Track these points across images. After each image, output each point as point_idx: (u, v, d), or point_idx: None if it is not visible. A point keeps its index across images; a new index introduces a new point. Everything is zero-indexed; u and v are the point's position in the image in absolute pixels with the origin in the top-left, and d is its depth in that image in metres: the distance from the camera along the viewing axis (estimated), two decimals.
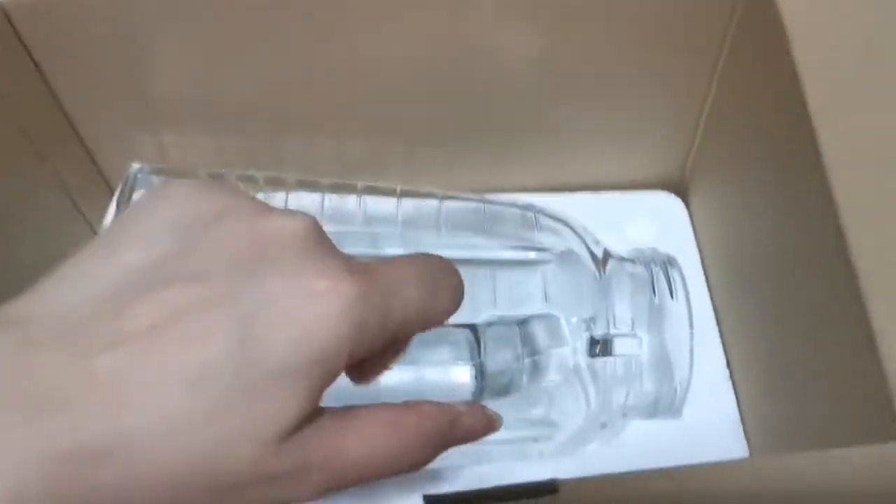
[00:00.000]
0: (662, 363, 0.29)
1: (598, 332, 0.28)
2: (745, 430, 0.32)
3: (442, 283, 0.20)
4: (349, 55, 0.32)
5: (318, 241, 0.18)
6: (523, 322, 0.26)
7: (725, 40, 0.32)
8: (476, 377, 0.24)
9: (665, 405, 0.30)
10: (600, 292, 0.29)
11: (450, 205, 0.30)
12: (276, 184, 0.31)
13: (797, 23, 0.26)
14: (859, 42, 0.26)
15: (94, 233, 0.37)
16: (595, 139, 0.37)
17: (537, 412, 0.28)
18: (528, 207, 0.31)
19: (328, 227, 0.19)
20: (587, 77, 0.34)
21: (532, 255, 0.29)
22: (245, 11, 0.31)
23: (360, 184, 0.32)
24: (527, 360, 0.25)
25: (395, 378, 0.23)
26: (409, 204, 0.30)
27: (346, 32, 0.32)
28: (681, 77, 0.34)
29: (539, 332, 0.26)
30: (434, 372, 0.26)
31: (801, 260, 0.27)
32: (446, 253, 0.28)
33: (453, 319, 0.21)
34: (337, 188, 0.31)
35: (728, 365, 0.33)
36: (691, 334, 0.29)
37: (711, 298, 0.35)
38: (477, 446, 0.27)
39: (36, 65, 0.32)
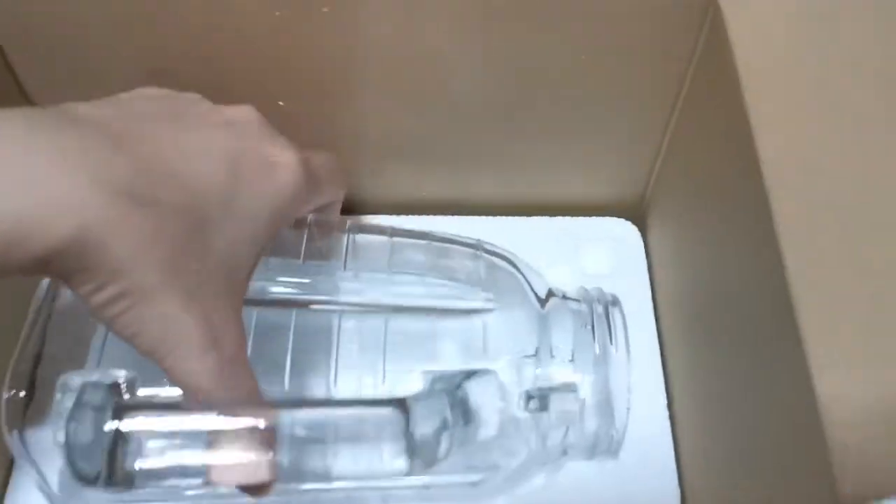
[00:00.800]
0: (602, 406, 0.30)
1: (537, 386, 0.28)
2: (682, 472, 0.32)
3: (338, 173, 0.28)
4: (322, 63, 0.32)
5: (266, 123, 0.24)
6: (456, 385, 0.26)
7: (686, 78, 0.32)
8: (407, 454, 0.25)
9: (603, 447, 0.30)
10: (541, 334, 0.30)
11: (397, 243, 0.30)
12: None
13: (751, 68, 0.26)
14: (811, 90, 0.26)
15: None
16: (558, 161, 0.37)
17: (477, 460, 0.28)
18: (476, 245, 0.32)
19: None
20: (553, 100, 0.34)
21: (476, 303, 0.29)
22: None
23: (309, 216, 0.32)
24: (459, 428, 0.25)
25: (328, 462, 0.24)
26: (359, 240, 0.31)
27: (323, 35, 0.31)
28: (643, 108, 0.34)
29: (473, 391, 0.26)
30: (365, 455, 0.26)
31: (745, 305, 0.28)
32: (394, 300, 0.29)
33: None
34: None
35: (669, 405, 0.34)
36: (629, 381, 0.30)
37: (659, 332, 0.36)
38: (420, 490, 0.28)
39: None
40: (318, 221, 0.31)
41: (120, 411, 0.24)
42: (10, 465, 0.32)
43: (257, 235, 0.23)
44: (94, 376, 0.25)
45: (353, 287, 0.29)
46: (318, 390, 0.26)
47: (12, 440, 0.25)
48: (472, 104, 0.34)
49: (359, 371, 0.27)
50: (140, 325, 0.21)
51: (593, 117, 0.35)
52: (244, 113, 0.24)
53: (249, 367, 0.23)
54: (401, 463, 0.24)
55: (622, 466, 0.31)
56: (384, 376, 0.27)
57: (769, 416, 0.25)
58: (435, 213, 0.39)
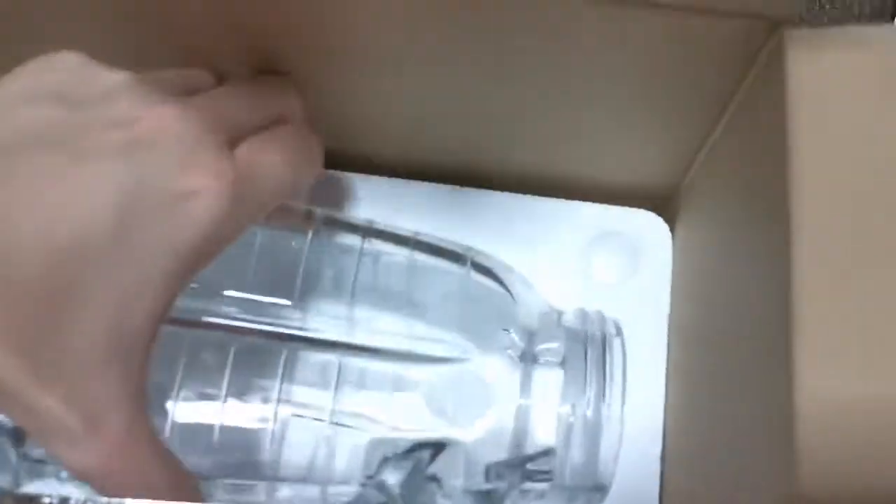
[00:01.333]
0: (587, 460, 0.26)
1: (512, 452, 0.24)
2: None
3: (304, 160, 0.23)
4: None
5: (194, 133, 0.19)
6: (414, 469, 0.22)
7: (735, 95, 0.26)
8: None
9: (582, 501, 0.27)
10: (526, 378, 0.26)
11: (371, 257, 0.26)
12: None
13: (799, 109, 0.22)
14: (859, 145, 0.22)
15: None
16: (594, 134, 0.31)
17: None
18: (463, 259, 0.27)
19: None
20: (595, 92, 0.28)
21: (452, 350, 0.25)
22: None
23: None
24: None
25: None
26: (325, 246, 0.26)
27: None
28: (688, 113, 0.28)
29: (435, 471, 0.23)
30: None
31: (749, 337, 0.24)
32: (351, 337, 0.25)
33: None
34: None
35: (664, 437, 0.30)
36: (618, 449, 0.26)
37: (668, 361, 0.31)
38: None
39: None
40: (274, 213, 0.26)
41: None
42: None
43: (158, 287, 0.19)
44: None
45: (305, 317, 0.25)
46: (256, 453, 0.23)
47: None
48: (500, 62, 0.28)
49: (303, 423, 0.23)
50: (7, 413, 0.18)
51: (641, 94, 0.28)
52: (166, 121, 0.19)
53: (158, 444, 0.20)
54: None
55: None
56: (328, 440, 0.23)
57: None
58: (440, 181, 0.33)
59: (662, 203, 0.34)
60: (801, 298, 0.20)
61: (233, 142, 0.21)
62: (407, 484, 0.22)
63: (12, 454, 0.22)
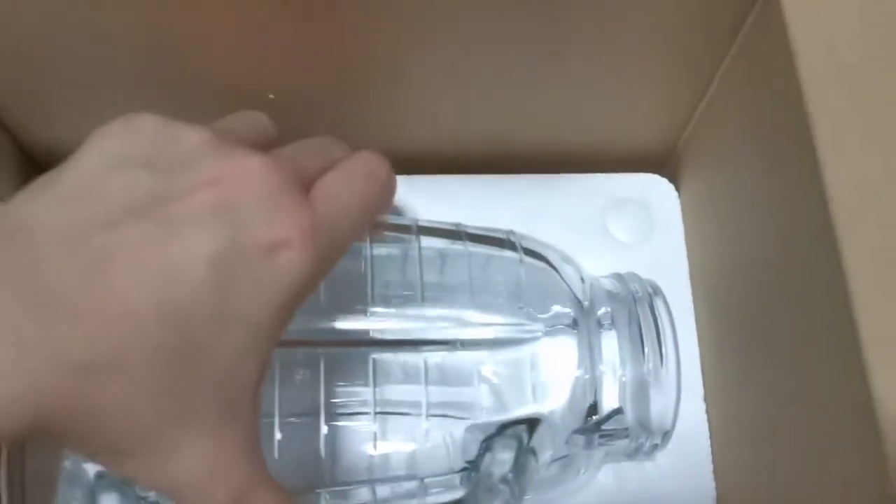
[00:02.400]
0: (647, 417, 0.28)
1: (585, 419, 0.26)
2: (715, 462, 0.31)
3: (377, 188, 0.23)
4: None
5: (276, 184, 0.20)
6: (514, 455, 0.24)
7: (737, 35, 0.28)
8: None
9: (644, 454, 0.29)
10: (585, 347, 0.27)
11: (427, 253, 0.27)
12: None
13: (804, 30, 0.24)
14: (863, 51, 0.24)
15: None
16: (593, 97, 0.33)
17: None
18: (512, 244, 0.28)
19: None
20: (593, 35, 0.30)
21: (521, 333, 0.26)
22: None
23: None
24: (510, 485, 0.23)
25: None
26: (382, 254, 0.27)
27: None
28: (689, 59, 0.30)
29: (528, 447, 0.24)
30: None
31: (789, 278, 0.26)
32: (429, 334, 0.26)
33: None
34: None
35: (705, 398, 0.32)
36: (678, 393, 0.28)
37: (695, 310, 0.33)
38: None
39: None
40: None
41: None
42: None
43: (261, 341, 0.19)
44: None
45: (382, 322, 0.26)
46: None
47: None
48: (491, 39, 0.29)
49: (399, 424, 0.25)
50: (132, 474, 0.19)
51: (638, 55, 0.30)
52: (249, 175, 0.19)
53: (274, 485, 0.20)
54: None
55: (657, 465, 0.31)
56: (426, 434, 0.25)
57: (813, 408, 0.24)
58: (449, 172, 0.34)
59: (663, 164, 0.36)
60: (845, 230, 0.21)
61: (307, 186, 0.21)
62: (515, 464, 0.23)
63: (90, 471, 0.22)
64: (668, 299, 0.29)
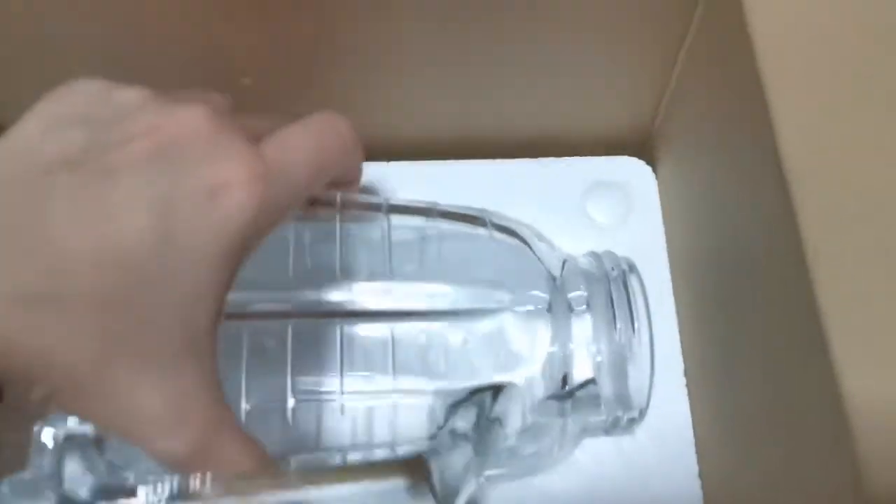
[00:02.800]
0: (622, 388, 0.28)
1: (557, 388, 0.26)
2: (696, 440, 0.31)
3: (334, 144, 0.23)
4: None
5: (216, 131, 0.20)
6: (477, 416, 0.24)
7: (694, 13, 0.28)
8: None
9: (621, 428, 0.29)
10: (558, 321, 0.28)
11: (397, 235, 0.27)
12: None
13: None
14: (817, 24, 0.24)
15: None
16: (568, 82, 0.34)
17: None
18: (483, 221, 0.29)
19: None
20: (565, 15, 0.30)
21: (489, 303, 0.26)
22: None
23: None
24: (482, 461, 0.23)
25: None
26: (352, 230, 0.27)
27: None
28: (654, 30, 0.31)
29: (496, 412, 0.24)
30: None
31: (756, 261, 0.26)
32: (395, 305, 0.26)
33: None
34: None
35: (685, 373, 0.32)
36: (651, 365, 0.28)
37: (674, 293, 0.33)
38: None
39: None
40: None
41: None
42: None
43: (211, 284, 0.20)
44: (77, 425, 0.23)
45: (350, 293, 0.26)
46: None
47: None
48: (466, 26, 0.30)
49: (366, 393, 0.25)
50: (91, 415, 0.20)
51: (598, 39, 0.31)
52: (187, 123, 0.20)
53: (239, 429, 0.21)
54: None
55: (638, 442, 0.30)
56: (396, 404, 0.25)
57: (783, 389, 0.24)
58: (427, 158, 0.35)
59: (641, 147, 0.36)
60: (803, 203, 0.21)
61: (257, 139, 0.21)
62: (477, 426, 0.24)
63: (100, 463, 0.23)
64: (647, 281, 0.29)
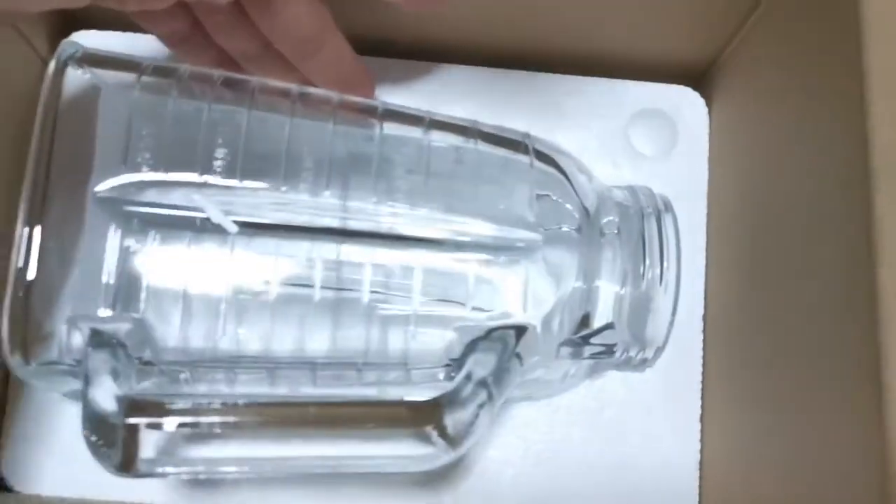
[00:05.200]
0: (640, 331, 0.28)
1: (578, 334, 0.26)
2: (703, 386, 0.32)
3: None
4: None
5: None
6: (498, 359, 0.24)
7: None
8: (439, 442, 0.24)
9: (633, 366, 0.30)
10: (588, 256, 0.27)
11: (435, 151, 0.27)
12: (239, 89, 0.27)
13: None
14: None
15: (42, 60, 0.32)
16: (634, 17, 0.32)
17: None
18: (524, 142, 0.28)
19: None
20: None
21: (520, 243, 0.26)
22: None
23: (334, 97, 0.28)
24: (496, 400, 0.24)
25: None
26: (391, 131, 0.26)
27: None
28: None
29: (513, 368, 0.24)
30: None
31: (810, 222, 0.25)
32: (428, 233, 0.26)
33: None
34: (308, 102, 0.27)
35: (703, 318, 0.32)
36: (675, 305, 0.28)
37: (707, 237, 0.33)
38: None
39: None
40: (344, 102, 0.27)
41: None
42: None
43: None
44: (105, 322, 0.23)
45: (377, 213, 0.26)
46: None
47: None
48: None
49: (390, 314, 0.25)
50: None
51: None
52: None
53: None
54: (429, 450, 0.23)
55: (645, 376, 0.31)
56: (414, 330, 0.25)
57: (815, 345, 0.24)
58: (467, 63, 0.33)
59: (700, 80, 0.35)
60: (883, 181, 0.20)
61: None
62: (499, 364, 0.24)
63: (133, 363, 0.23)
64: (681, 218, 0.29)
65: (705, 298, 0.32)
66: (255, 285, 0.25)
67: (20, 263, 0.23)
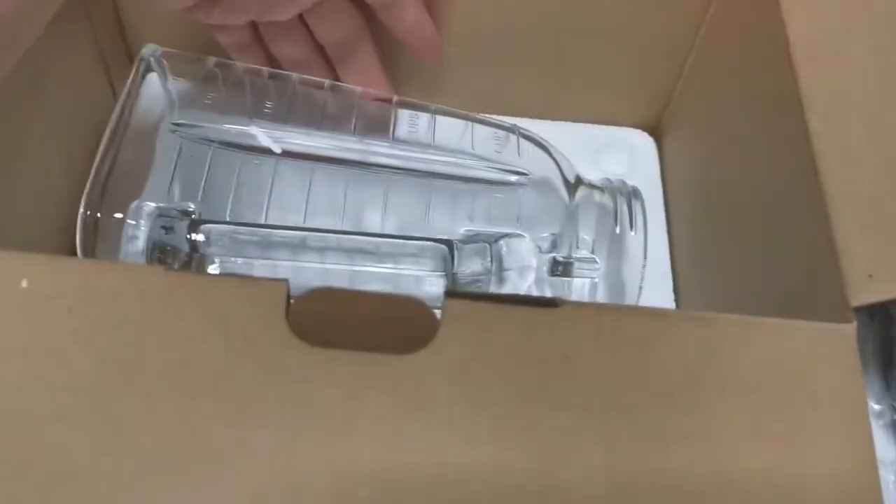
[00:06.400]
0: (616, 287, 0.33)
1: (562, 254, 0.31)
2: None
3: None
4: None
5: None
6: (494, 240, 0.29)
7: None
8: (448, 285, 0.28)
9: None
10: (568, 216, 0.33)
11: (442, 120, 0.33)
12: (282, 80, 0.33)
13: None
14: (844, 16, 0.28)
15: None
16: (585, 76, 0.40)
17: None
18: (512, 129, 0.34)
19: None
20: (584, 19, 0.37)
21: (512, 178, 0.32)
22: None
23: (358, 89, 0.34)
24: (493, 275, 0.28)
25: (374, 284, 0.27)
26: (405, 115, 0.33)
27: None
28: (667, 28, 0.37)
29: (508, 249, 0.29)
30: (411, 280, 0.29)
31: (771, 208, 0.30)
32: (436, 168, 0.31)
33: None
34: (337, 90, 0.34)
35: (676, 296, 0.37)
36: (644, 264, 0.33)
37: (669, 234, 0.39)
38: None
39: None
40: (366, 94, 0.34)
41: (195, 227, 0.27)
42: None
43: None
44: (168, 205, 0.28)
45: (401, 154, 0.32)
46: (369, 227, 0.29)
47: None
48: (502, 12, 0.37)
49: (406, 219, 0.30)
50: None
51: (618, 35, 0.37)
52: None
53: None
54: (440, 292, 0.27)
55: None
56: (429, 225, 0.30)
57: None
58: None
59: (652, 126, 0.43)
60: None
61: None
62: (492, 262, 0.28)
63: (187, 237, 0.27)
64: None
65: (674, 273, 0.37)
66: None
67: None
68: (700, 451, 0.19)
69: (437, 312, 0.20)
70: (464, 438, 0.19)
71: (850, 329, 0.21)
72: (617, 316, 0.21)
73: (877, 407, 0.39)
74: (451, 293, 0.20)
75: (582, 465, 0.19)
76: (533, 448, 0.19)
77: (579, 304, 0.21)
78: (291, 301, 0.20)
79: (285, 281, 0.20)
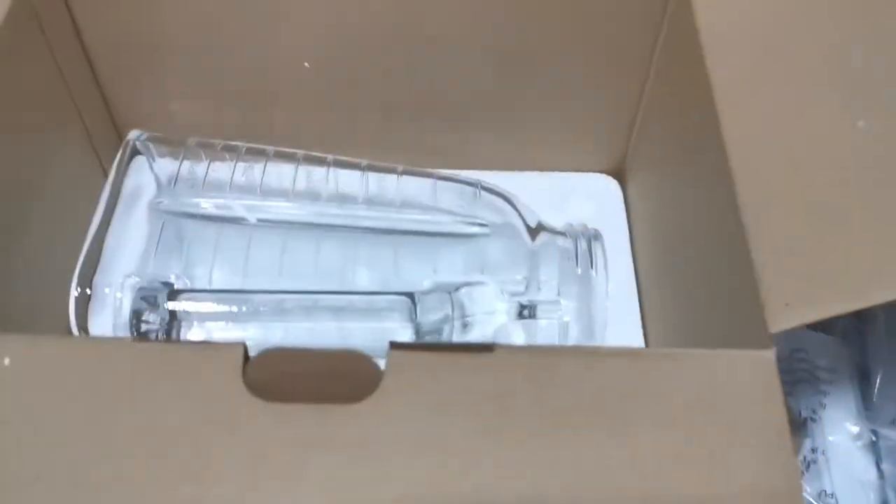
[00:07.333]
0: (587, 326, 0.34)
1: (527, 298, 0.33)
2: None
3: None
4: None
5: None
6: (455, 289, 0.31)
7: (654, 52, 0.37)
8: (413, 335, 0.30)
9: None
10: (531, 261, 0.34)
11: (406, 180, 0.35)
12: (257, 154, 0.36)
13: (713, 38, 0.31)
14: (769, 55, 0.30)
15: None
16: (546, 128, 0.42)
17: None
18: (474, 184, 0.36)
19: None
20: (540, 75, 0.39)
21: (474, 228, 0.34)
22: None
23: (329, 157, 0.37)
24: (457, 322, 0.30)
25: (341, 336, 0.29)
26: (373, 178, 0.35)
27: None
28: (619, 81, 0.39)
29: (470, 296, 0.31)
30: (390, 332, 0.31)
31: (706, 244, 0.32)
32: (401, 226, 0.34)
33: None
34: (310, 159, 0.36)
35: (644, 332, 0.38)
36: (606, 303, 0.34)
37: (636, 273, 0.40)
38: None
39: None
40: (337, 161, 0.36)
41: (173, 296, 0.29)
42: None
43: None
44: (150, 276, 0.30)
45: (370, 215, 0.34)
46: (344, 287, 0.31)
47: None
48: (470, 66, 0.39)
49: (375, 274, 0.32)
50: None
51: (575, 88, 0.40)
52: None
53: None
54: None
55: None
56: (398, 279, 0.32)
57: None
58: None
59: (616, 170, 0.45)
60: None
61: None
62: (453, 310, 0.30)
63: (166, 306, 0.29)
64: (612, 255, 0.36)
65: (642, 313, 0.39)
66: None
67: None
68: (628, 480, 0.21)
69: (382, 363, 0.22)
70: (404, 482, 0.20)
71: (769, 354, 0.23)
72: (548, 356, 0.23)
73: (854, 429, 0.40)
74: (395, 344, 0.22)
75: (516, 494, 0.20)
76: (467, 482, 0.20)
77: (513, 348, 0.23)
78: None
79: (242, 343, 0.22)
